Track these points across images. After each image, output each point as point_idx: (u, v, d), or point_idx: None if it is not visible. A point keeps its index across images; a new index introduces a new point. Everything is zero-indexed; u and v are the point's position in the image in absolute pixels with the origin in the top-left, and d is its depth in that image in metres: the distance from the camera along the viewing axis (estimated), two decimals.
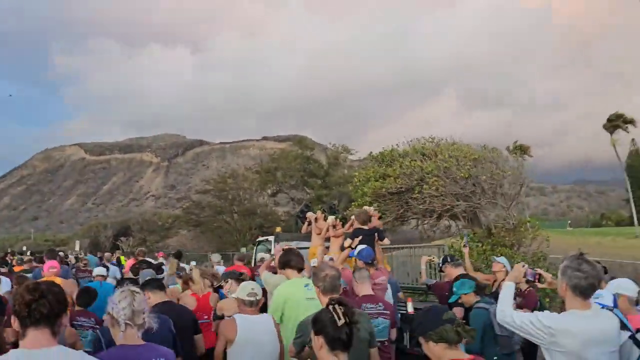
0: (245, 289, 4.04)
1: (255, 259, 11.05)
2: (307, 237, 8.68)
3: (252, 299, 3.97)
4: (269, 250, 9.91)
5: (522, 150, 22.05)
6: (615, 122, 27.07)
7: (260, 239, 11.49)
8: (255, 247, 11.55)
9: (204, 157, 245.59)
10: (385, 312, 4.70)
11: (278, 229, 10.10)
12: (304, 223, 8.71)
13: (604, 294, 3.86)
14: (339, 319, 2.39)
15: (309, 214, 8.49)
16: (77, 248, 27.09)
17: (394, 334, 5.03)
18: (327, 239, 7.82)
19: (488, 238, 12.51)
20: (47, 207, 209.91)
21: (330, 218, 7.81)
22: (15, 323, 2.25)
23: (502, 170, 11.91)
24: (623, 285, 4.16)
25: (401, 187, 13.03)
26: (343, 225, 7.89)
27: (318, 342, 2.45)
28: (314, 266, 6.54)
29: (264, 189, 40.31)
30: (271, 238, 10.48)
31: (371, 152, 15.18)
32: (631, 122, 27.33)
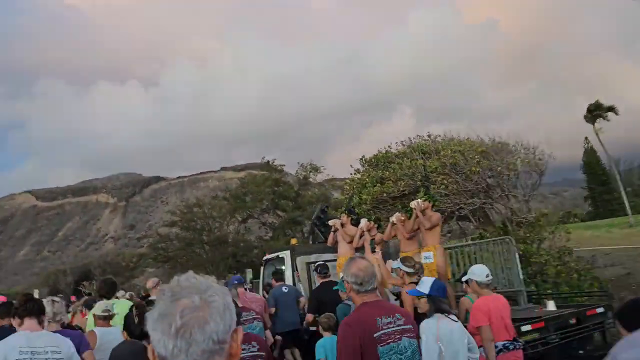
0: (101, 307, 5.17)
1: (262, 282, 9.47)
2: (329, 248, 7.30)
3: (105, 314, 5.07)
4: (279, 272, 8.38)
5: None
6: (596, 112, 26.93)
7: (269, 256, 9.80)
8: (262, 268, 9.90)
9: (162, 193, 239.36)
10: (257, 316, 5.35)
11: (294, 241, 8.56)
12: (321, 231, 7.32)
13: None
14: (135, 318, 4.07)
15: (334, 221, 7.06)
16: (36, 297, 24.45)
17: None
18: (359, 247, 6.48)
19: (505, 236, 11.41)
20: None
21: (364, 221, 6.45)
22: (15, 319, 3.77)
23: (518, 158, 10.86)
24: (475, 272, 4.96)
25: (404, 190, 11.81)
26: (379, 228, 6.56)
27: (124, 335, 4.36)
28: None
29: (234, 215, 38.43)
30: (284, 254, 8.92)
31: (363, 156, 13.93)
32: (611, 109, 27.28)
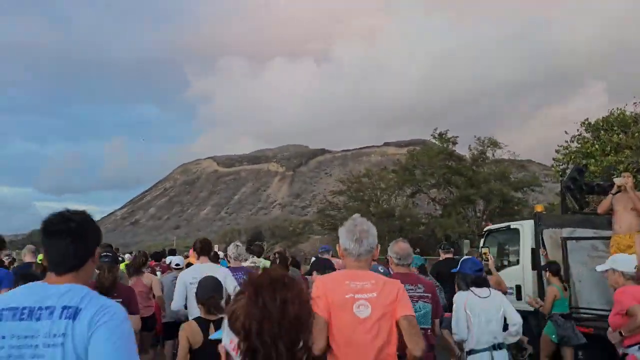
0: (250, 260, 7.48)
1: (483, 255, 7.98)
2: (588, 220, 5.51)
3: (252, 265, 6.98)
4: (498, 249, 6.76)
5: None
6: None
7: (492, 227, 8.18)
8: (482, 240, 8.32)
9: (326, 166, 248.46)
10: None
11: (539, 208, 6.78)
12: (576, 198, 5.49)
13: None
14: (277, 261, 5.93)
15: (623, 180, 5.09)
16: (215, 249, 26.34)
17: None
18: None
19: None
20: (187, 216, 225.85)
21: None
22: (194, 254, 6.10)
23: None
24: (619, 260, 4.34)
25: None
26: None
27: None
28: None
29: (402, 188, 37.06)
30: (521, 224, 7.21)
31: (586, 119, 11.35)
32: None
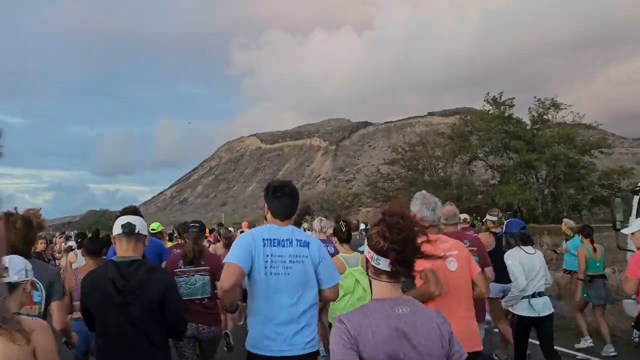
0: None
1: (635, 216, 6.84)
2: None
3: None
4: None
5: None
6: None
7: None
8: (637, 198, 7.00)
9: (369, 138, 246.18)
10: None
11: None
12: None
13: None
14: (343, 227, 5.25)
15: None
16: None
17: None
18: None
19: None
20: (233, 193, 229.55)
21: None
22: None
23: None
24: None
25: None
26: None
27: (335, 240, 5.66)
28: None
29: (458, 155, 35.55)
30: None
31: None
32: None
